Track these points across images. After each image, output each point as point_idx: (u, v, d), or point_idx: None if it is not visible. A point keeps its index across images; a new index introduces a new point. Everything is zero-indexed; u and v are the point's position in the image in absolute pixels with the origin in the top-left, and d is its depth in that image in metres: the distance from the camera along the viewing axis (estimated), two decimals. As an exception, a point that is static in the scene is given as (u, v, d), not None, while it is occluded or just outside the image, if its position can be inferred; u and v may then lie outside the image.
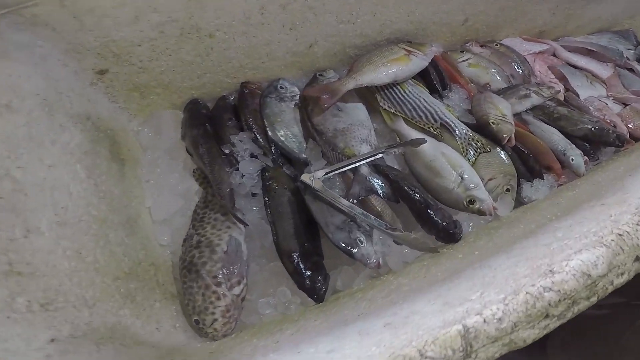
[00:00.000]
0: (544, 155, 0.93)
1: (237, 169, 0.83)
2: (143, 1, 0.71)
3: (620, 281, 0.38)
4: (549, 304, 0.35)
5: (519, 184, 0.89)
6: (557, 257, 0.38)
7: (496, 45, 1.25)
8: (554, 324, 0.35)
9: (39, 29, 0.68)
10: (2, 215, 0.48)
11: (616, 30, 1.54)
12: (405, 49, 0.99)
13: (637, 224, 0.39)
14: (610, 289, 0.37)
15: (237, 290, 0.69)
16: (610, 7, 1.45)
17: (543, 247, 0.43)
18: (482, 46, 1.24)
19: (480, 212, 0.81)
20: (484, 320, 0.33)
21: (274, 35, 0.89)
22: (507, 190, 0.86)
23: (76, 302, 0.53)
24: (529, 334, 0.34)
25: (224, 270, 0.69)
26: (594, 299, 0.37)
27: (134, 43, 0.77)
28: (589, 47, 1.36)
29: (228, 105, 0.94)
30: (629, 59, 1.39)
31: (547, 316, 0.35)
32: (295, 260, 0.71)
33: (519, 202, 0.90)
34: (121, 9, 0.70)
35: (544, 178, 0.91)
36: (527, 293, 0.35)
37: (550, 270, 0.36)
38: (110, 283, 0.62)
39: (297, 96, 0.96)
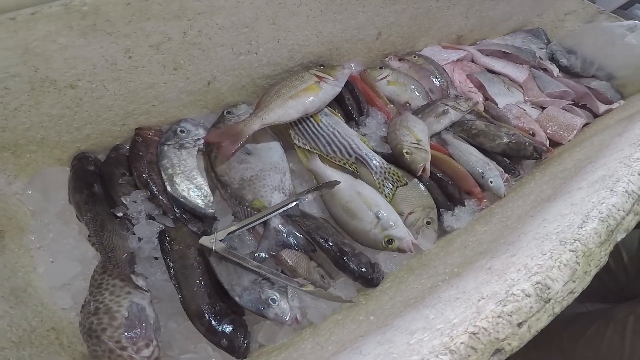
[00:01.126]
0: (463, 181, 0.91)
1: (134, 233, 0.74)
2: (-42, 60, 0.61)
3: None
4: None
5: (440, 214, 0.87)
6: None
7: (414, 57, 1.22)
8: None
9: None
10: None
11: (528, 29, 1.59)
12: (316, 76, 0.93)
13: (499, 316, 0.34)
14: None
15: (146, 352, 0.65)
16: (518, 6, 1.49)
17: (404, 338, 0.39)
18: (400, 60, 1.21)
19: (400, 250, 0.78)
20: None
21: (155, 77, 0.80)
22: (428, 222, 0.83)
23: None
24: None
25: (127, 335, 0.65)
26: None
27: (-26, 102, 0.67)
28: (504, 50, 1.37)
29: (121, 157, 0.83)
30: (541, 59, 1.42)
31: None
32: (207, 322, 0.68)
33: (444, 230, 0.88)
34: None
35: (465, 204, 0.89)
36: None
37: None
38: (-8, 356, 0.58)
39: (201, 140, 0.86)
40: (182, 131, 0.86)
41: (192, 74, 0.83)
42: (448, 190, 0.90)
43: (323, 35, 0.99)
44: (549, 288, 0.36)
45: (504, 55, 1.37)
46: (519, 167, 1.03)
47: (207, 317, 0.68)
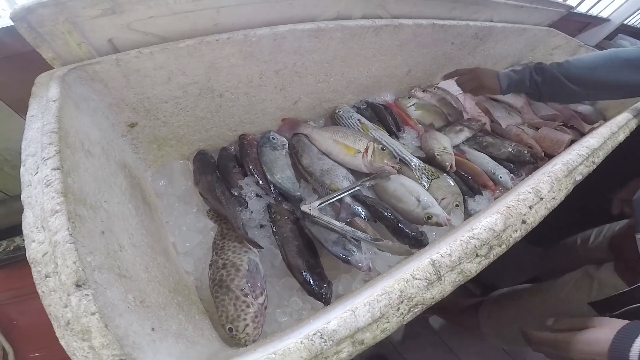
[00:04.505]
0: (479, 177, 1.21)
1: (247, 207, 1.01)
2: (176, 65, 0.81)
3: (517, 235, 0.58)
4: (475, 247, 0.55)
5: (465, 200, 1.15)
6: (475, 222, 0.59)
7: (434, 89, 1.55)
8: (484, 261, 0.54)
9: (95, 84, 0.77)
10: (107, 234, 0.57)
11: (523, 63, 1.91)
12: (365, 150, 1.10)
13: (517, 201, 0.63)
14: (512, 240, 0.57)
15: (261, 299, 0.78)
16: (514, 44, 1.81)
17: (470, 223, 0.66)
18: (424, 91, 1.54)
19: (438, 224, 1.03)
20: (441, 256, 0.53)
21: (268, 95, 1.07)
22: (457, 205, 1.11)
23: (155, 303, 0.59)
24: (471, 267, 0.53)
25: (249, 284, 0.78)
26: (504, 247, 0.57)
27: (163, 100, 0.87)
28: (505, 84, 1.70)
29: (230, 155, 1.12)
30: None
31: (477, 255, 0.55)
32: (304, 273, 0.84)
33: (468, 214, 1.15)
34: (160, 70, 0.81)
35: (483, 194, 1.19)
36: (460, 240, 0.55)
37: (472, 228, 0.57)
38: (167, 294, 0.67)
39: (286, 145, 1.17)
40: (272, 138, 1.16)
41: (288, 94, 1.12)
42: (469, 184, 1.19)
43: (371, 71, 1.31)
44: (540, 191, 0.66)
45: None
46: (521, 170, 1.33)
47: (304, 269, 0.84)
